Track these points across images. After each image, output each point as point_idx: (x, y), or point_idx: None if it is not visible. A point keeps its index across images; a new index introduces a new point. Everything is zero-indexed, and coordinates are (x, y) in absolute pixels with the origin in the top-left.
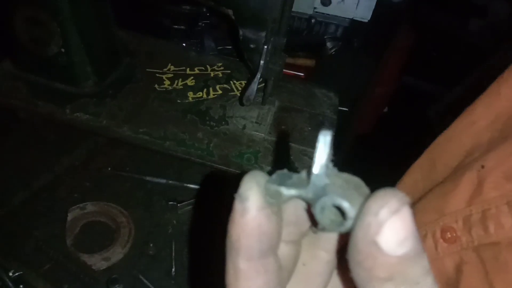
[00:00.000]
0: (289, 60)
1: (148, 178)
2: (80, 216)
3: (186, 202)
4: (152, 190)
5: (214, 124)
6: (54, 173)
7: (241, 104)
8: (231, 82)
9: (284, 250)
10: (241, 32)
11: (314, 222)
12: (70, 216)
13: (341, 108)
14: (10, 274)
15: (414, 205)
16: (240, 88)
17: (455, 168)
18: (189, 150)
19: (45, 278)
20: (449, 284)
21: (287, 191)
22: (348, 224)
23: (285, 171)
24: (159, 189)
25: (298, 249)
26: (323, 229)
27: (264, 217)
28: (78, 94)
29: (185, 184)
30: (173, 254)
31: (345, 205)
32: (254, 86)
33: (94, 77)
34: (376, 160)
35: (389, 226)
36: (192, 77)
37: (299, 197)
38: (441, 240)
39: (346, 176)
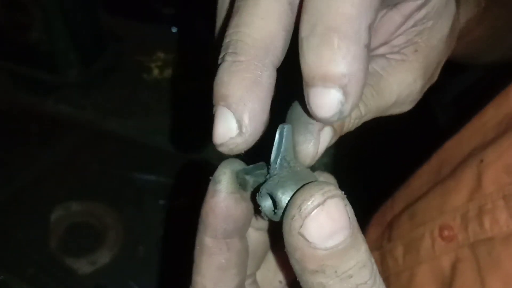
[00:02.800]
0: None
1: (137, 175)
2: (64, 217)
3: (178, 201)
4: (142, 188)
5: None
6: (36, 170)
7: None
8: None
9: (253, 235)
10: None
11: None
12: (53, 217)
13: None
14: None
15: (415, 204)
16: None
17: (457, 165)
18: (182, 145)
19: (28, 283)
20: (444, 283)
21: (250, 180)
22: (279, 213)
23: (261, 163)
24: (150, 187)
25: (268, 238)
26: (263, 217)
27: (232, 200)
28: (61, 84)
29: (178, 182)
30: (165, 257)
31: (277, 195)
32: None
33: (79, 65)
34: (376, 157)
35: (312, 219)
36: (183, 65)
37: (258, 186)
38: (438, 239)
39: (301, 169)
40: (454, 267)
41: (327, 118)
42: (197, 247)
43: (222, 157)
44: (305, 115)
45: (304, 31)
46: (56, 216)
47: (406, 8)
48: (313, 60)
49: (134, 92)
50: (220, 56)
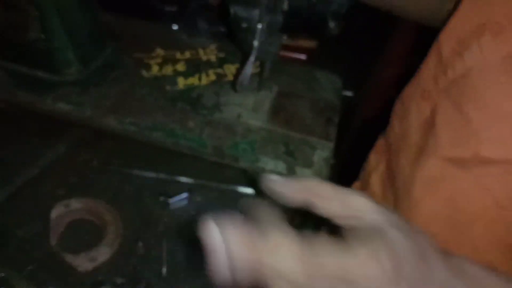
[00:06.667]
0: (289, 42)
1: (137, 172)
2: (64, 214)
3: (178, 198)
4: (142, 185)
5: (207, 112)
6: (36, 168)
7: (234, 90)
8: (225, 66)
9: None
10: (232, 10)
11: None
12: (54, 214)
13: (345, 93)
14: None
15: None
16: (235, 73)
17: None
18: (179, 141)
19: (28, 279)
20: (427, 123)
21: None
22: None
23: None
24: (149, 184)
25: None
26: None
27: None
28: (60, 83)
29: (177, 178)
30: (164, 253)
31: None
32: (248, 70)
33: (77, 63)
34: None
35: None
36: (182, 62)
37: None
38: (419, 100)
39: None
40: (433, 111)
41: None
42: None
43: (220, 152)
44: None
45: None
46: (56, 213)
47: None
48: None
49: (132, 89)
50: None
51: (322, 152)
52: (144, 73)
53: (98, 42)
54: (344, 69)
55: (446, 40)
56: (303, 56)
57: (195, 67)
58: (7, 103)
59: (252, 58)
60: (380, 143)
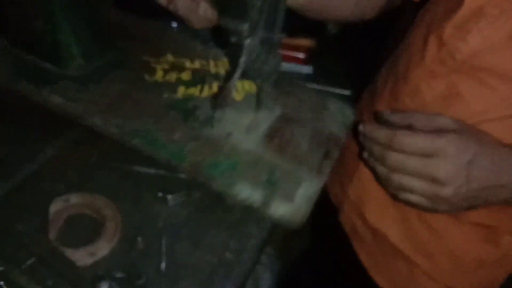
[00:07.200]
0: (287, 40)
1: (136, 168)
2: (63, 209)
3: (177, 194)
4: (141, 180)
5: (197, 125)
6: (37, 163)
7: (213, 107)
8: None
9: None
10: (221, 21)
11: None
12: (53, 209)
13: (344, 92)
14: None
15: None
16: (242, 90)
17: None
18: (158, 151)
19: (28, 274)
20: (444, 97)
21: None
22: None
23: None
24: (149, 180)
25: None
26: None
27: None
28: (60, 76)
29: (177, 174)
30: (164, 249)
31: None
32: (230, 88)
33: (80, 59)
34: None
35: None
36: (189, 71)
37: None
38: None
39: None
40: (450, 87)
41: None
42: None
43: (197, 169)
44: None
45: None
46: (55, 208)
47: None
48: None
49: (129, 91)
50: None
51: (308, 188)
52: (147, 77)
53: (105, 41)
54: (343, 68)
55: (441, 26)
56: (302, 55)
57: (201, 78)
58: (8, 93)
59: (236, 76)
60: None
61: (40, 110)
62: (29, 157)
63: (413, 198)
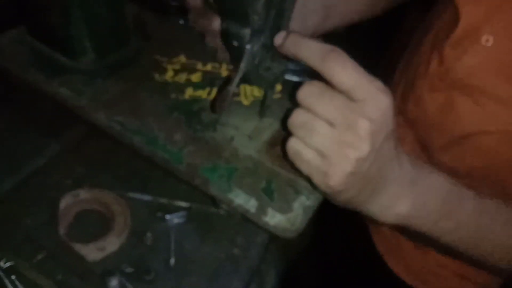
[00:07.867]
0: None
1: (145, 163)
2: (73, 204)
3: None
4: (150, 173)
5: (200, 128)
6: (45, 158)
7: (212, 111)
8: (243, 86)
9: None
10: (223, 24)
11: None
12: (62, 204)
13: None
14: (1, 264)
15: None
16: (251, 95)
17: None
18: (157, 151)
19: (37, 268)
20: (443, 107)
21: None
22: None
23: None
24: (158, 172)
25: None
26: None
27: None
28: (72, 69)
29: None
30: (172, 244)
31: None
32: (229, 92)
33: (93, 54)
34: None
35: None
36: (200, 73)
37: None
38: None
39: None
40: (447, 99)
41: None
42: None
43: (194, 172)
44: None
45: None
46: (65, 203)
47: None
48: None
49: (136, 89)
50: None
51: (306, 200)
52: (157, 76)
53: (120, 38)
54: None
55: (442, 45)
56: None
57: (211, 80)
58: (18, 80)
59: (235, 80)
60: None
61: (49, 104)
62: (37, 152)
63: (304, 167)
